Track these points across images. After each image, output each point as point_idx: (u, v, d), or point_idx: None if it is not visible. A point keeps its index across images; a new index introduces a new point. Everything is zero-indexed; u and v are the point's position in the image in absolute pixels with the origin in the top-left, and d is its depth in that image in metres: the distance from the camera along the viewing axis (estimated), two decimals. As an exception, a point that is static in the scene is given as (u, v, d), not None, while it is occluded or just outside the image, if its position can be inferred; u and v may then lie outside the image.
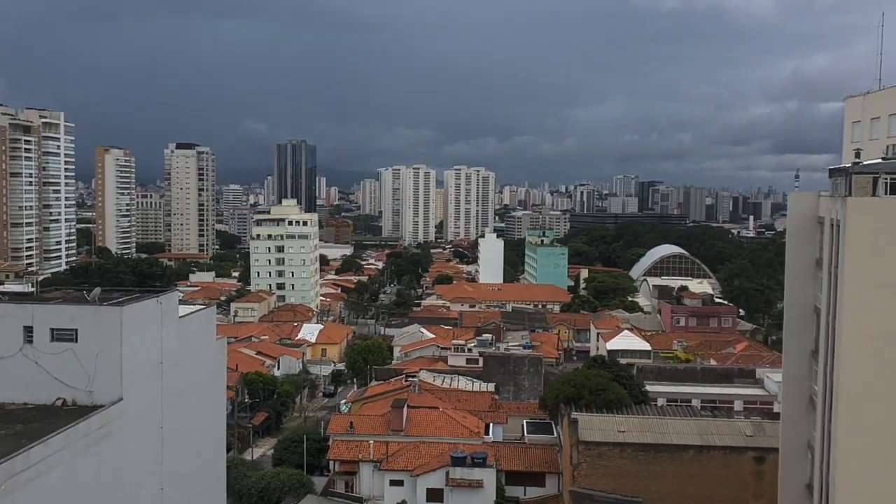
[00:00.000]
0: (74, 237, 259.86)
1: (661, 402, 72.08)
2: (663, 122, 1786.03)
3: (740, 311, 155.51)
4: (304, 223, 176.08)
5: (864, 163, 34.65)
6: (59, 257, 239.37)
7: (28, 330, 29.47)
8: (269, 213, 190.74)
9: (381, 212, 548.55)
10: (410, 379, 77.11)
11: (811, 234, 38.02)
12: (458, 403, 70.13)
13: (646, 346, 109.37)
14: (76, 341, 29.32)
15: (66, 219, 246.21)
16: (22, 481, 23.90)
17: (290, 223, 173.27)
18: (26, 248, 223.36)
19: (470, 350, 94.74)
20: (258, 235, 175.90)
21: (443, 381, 78.75)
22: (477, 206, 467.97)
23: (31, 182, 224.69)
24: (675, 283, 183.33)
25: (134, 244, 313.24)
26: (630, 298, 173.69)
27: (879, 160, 34.93)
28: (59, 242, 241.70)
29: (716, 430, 52.44)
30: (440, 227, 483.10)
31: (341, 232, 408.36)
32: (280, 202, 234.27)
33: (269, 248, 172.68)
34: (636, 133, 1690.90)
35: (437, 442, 59.04)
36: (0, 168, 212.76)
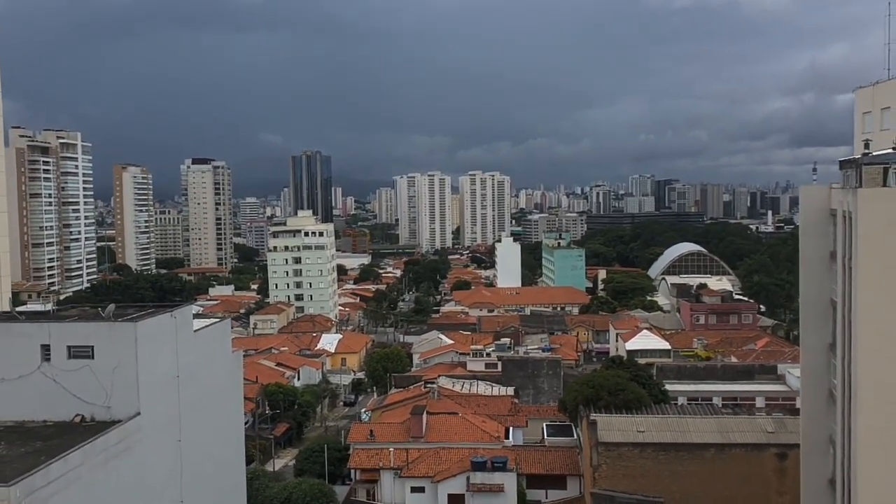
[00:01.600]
0: (95, 255, 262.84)
1: (681, 401, 71.64)
2: (678, 120, 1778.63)
3: (761, 307, 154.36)
4: (321, 234, 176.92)
5: (875, 153, 34.35)
6: (81, 276, 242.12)
7: (45, 348, 29.88)
8: (285, 224, 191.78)
9: (397, 220, 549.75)
10: (429, 385, 77.18)
11: (824, 228, 37.72)
12: (478, 408, 70.09)
13: (665, 345, 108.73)
14: (93, 358, 29.69)
15: (86, 237, 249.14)
16: (42, 498, 24.20)
17: (307, 234, 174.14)
18: (48, 267, 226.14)
19: (488, 355, 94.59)
20: (275, 247, 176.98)
21: (462, 386, 78.78)
22: (493, 210, 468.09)
23: (50, 202, 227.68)
24: (694, 281, 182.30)
25: (153, 260, 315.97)
26: (649, 298, 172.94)
27: (890, 150, 34.62)
28: (79, 261, 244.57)
29: (737, 428, 52.03)
30: (457, 233, 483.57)
31: (358, 241, 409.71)
32: (296, 214, 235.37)
33: (287, 260, 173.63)
34: (651, 132, 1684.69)
35: (458, 447, 59.03)
36: (20, 189, 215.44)
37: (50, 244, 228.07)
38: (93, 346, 29.72)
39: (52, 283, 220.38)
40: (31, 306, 50.25)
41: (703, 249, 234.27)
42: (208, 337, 36.72)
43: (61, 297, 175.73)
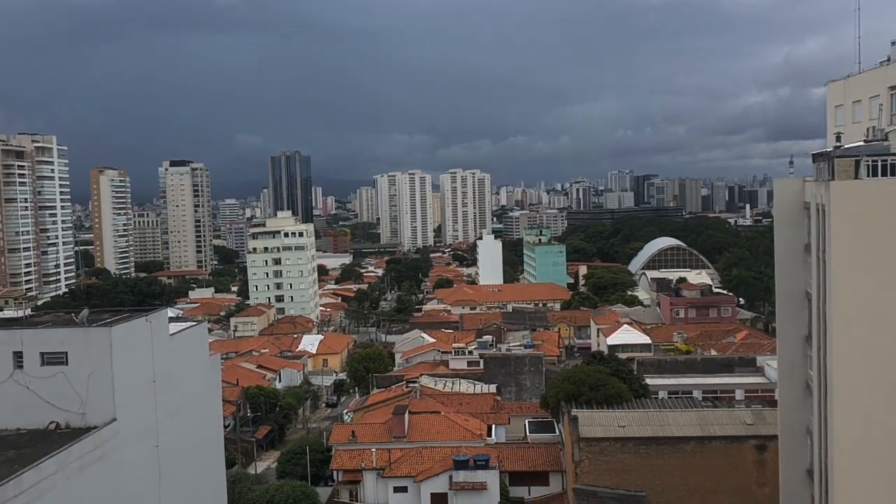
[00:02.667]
0: (73, 260, 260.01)
1: (661, 395, 72.20)
2: (657, 115, 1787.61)
3: (740, 300, 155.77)
4: (300, 234, 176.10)
5: (846, 146, 34.66)
6: (59, 280, 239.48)
7: (18, 355, 29.48)
8: (264, 225, 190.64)
9: (378, 219, 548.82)
10: (411, 385, 77.07)
11: (798, 220, 38.00)
12: (460, 407, 70.02)
13: (646, 339, 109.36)
14: (67, 364, 29.33)
15: (63, 242, 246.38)
16: (16, 507, 23.88)
17: (286, 235, 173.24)
18: (25, 272, 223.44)
19: (470, 352, 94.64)
20: (254, 249, 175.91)
21: (444, 385, 78.72)
22: (474, 208, 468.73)
23: (26, 207, 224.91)
24: (673, 275, 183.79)
25: (132, 264, 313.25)
26: (630, 293, 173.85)
27: (861, 143, 34.96)
28: (57, 266, 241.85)
29: (716, 421, 52.39)
30: (438, 231, 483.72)
31: (339, 241, 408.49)
32: (276, 215, 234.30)
33: (266, 261, 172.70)
34: (630, 128, 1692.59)
35: (440, 446, 58.92)
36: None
37: (26, 249, 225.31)
38: (67, 353, 29.36)
39: (29, 289, 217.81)
40: (7, 313, 49.63)
41: (682, 244, 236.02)
42: (185, 340, 36.40)
43: (39, 303, 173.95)
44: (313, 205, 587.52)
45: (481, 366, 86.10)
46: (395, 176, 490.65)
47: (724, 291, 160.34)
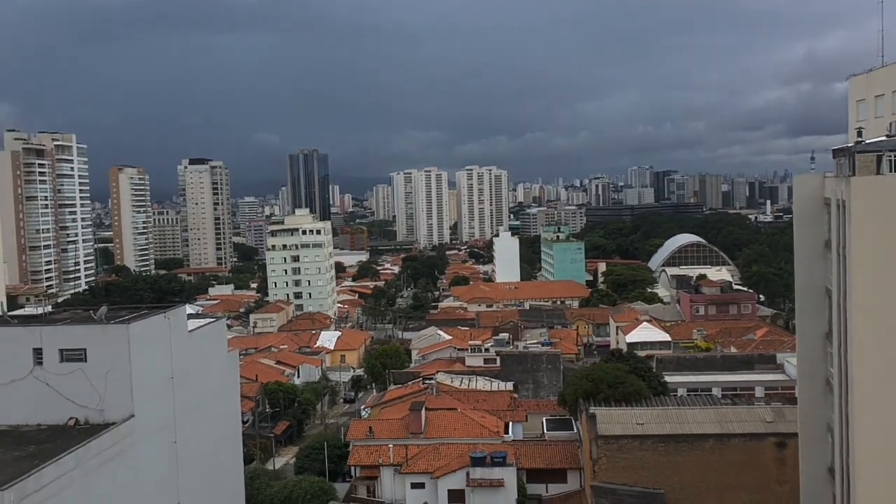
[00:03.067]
0: (93, 257, 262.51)
1: (680, 392, 71.72)
2: (676, 111, 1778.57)
3: (760, 296, 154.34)
4: (318, 231, 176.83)
5: (867, 141, 34.20)
6: (79, 278, 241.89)
7: (38, 352, 29.76)
8: (282, 223, 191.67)
9: (394, 216, 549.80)
10: (428, 382, 77.13)
11: (818, 216, 37.56)
12: (477, 404, 70.05)
13: (665, 336, 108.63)
14: (85, 360, 29.56)
15: (83, 239, 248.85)
16: (36, 502, 24.10)
17: (304, 232, 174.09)
18: (45, 270, 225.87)
19: (487, 350, 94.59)
20: (273, 246, 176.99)
21: (461, 382, 78.70)
22: (490, 205, 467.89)
23: (46, 205, 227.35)
24: (693, 272, 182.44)
25: (152, 261, 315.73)
26: (649, 290, 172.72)
27: (883, 138, 34.48)
28: (77, 263, 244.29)
29: (735, 418, 51.94)
30: (455, 229, 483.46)
31: (356, 238, 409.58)
32: (294, 212, 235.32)
33: (285, 258, 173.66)
34: (649, 124, 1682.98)
35: (457, 443, 58.99)
36: (15, 192, 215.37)
37: (47, 247, 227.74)
38: (85, 349, 29.59)
39: (49, 286, 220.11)
40: (27, 310, 50.15)
41: (702, 240, 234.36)
42: (203, 337, 36.60)
43: (59, 300, 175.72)
44: (331, 202, 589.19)
45: (498, 363, 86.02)
46: (411, 173, 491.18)
47: (745, 288, 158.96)
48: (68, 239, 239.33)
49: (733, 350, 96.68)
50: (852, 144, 34.57)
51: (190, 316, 44.85)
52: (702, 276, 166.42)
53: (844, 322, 33.81)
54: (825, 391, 37.96)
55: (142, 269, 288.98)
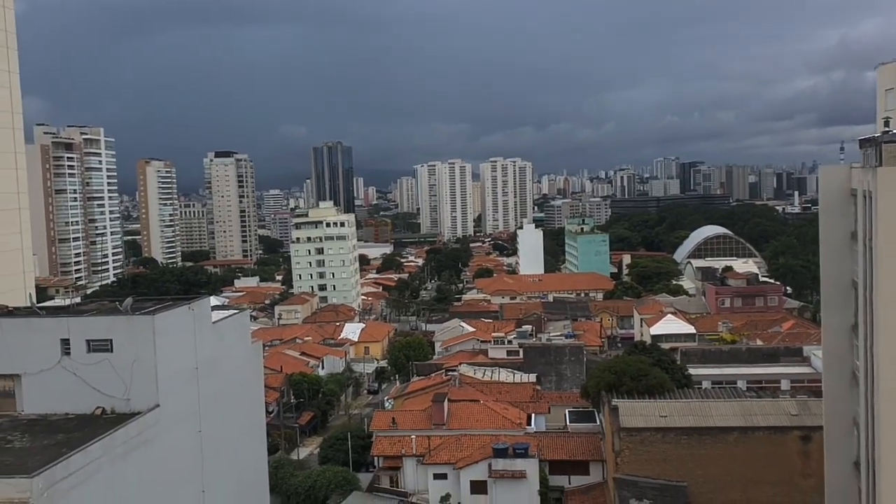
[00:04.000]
0: (121, 249, 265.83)
1: (705, 385, 71.32)
2: (703, 101, 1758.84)
3: (787, 289, 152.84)
4: (342, 224, 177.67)
5: (895, 131, 33.67)
6: (107, 270, 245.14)
7: (65, 342, 30.20)
8: (307, 216, 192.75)
9: (418, 209, 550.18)
10: (451, 373, 77.35)
11: (845, 208, 37.11)
12: (500, 395, 70.14)
13: (690, 329, 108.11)
14: (111, 351, 29.95)
15: (111, 232, 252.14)
16: (63, 489, 24.55)
17: (328, 225, 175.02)
18: (74, 262, 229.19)
19: (510, 342, 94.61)
20: (298, 239, 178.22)
21: (483, 373, 78.85)
22: (515, 197, 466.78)
23: (75, 198, 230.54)
24: (719, 263, 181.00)
25: (179, 253, 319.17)
26: (674, 282, 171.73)
27: (911, 127, 33.93)
28: (105, 255, 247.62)
29: (760, 411, 51.58)
30: (478, 221, 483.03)
31: (380, 231, 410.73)
32: (318, 205, 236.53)
33: (309, 251, 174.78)
34: (676, 114, 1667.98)
35: (479, 434, 59.15)
36: (45, 185, 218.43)
37: (76, 239, 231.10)
38: (111, 340, 29.98)
39: (79, 278, 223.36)
40: (56, 301, 50.97)
41: (728, 232, 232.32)
42: (227, 328, 36.95)
43: (88, 292, 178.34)
44: (355, 195, 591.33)
45: (521, 355, 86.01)
46: (434, 166, 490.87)
47: (771, 280, 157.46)
48: (97, 231, 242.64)
49: (759, 343, 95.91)
50: (879, 134, 34.06)
51: (214, 308, 45.38)
52: (728, 268, 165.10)
53: (871, 314, 33.41)
54: (851, 384, 37.56)
55: (169, 261, 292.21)
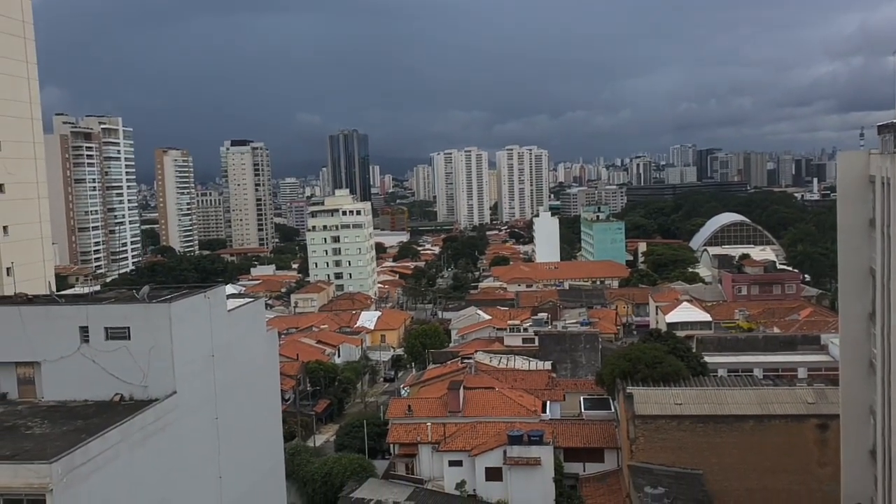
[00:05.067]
0: (139, 238, 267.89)
1: (721, 373, 71.01)
2: (721, 88, 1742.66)
3: (805, 276, 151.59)
4: (358, 212, 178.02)
5: (914, 116, 33.33)
6: (126, 258, 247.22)
7: (84, 330, 30.61)
8: (322, 204, 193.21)
9: (435, 197, 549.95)
10: (466, 361, 77.52)
11: (863, 194, 36.82)
12: (515, 383, 70.24)
13: (706, 317, 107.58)
14: (129, 339, 30.33)
15: (129, 221, 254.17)
16: (82, 474, 24.95)
17: (344, 213, 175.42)
18: (94, 251, 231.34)
19: (525, 330, 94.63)
20: (314, 227, 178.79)
21: (499, 361, 78.97)
22: (531, 185, 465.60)
23: (94, 187, 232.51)
24: (736, 251, 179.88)
25: (196, 241, 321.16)
26: (690, 270, 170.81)
27: (930, 112, 33.54)
28: (124, 244, 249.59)
29: (776, 399, 51.33)
30: (495, 209, 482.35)
31: (396, 219, 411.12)
32: (334, 193, 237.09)
33: (325, 239, 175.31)
34: (693, 101, 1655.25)
35: (495, 422, 59.25)
36: (64, 175, 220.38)
37: (95, 228, 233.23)
38: (129, 328, 30.35)
39: (98, 266, 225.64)
40: (76, 290, 51.54)
41: (746, 219, 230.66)
42: (243, 316, 37.26)
43: (107, 280, 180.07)
44: (371, 183, 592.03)
45: (536, 343, 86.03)
46: (451, 154, 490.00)
47: (789, 268, 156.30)
48: (115, 220, 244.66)
49: (776, 331, 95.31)
50: (898, 120, 33.71)
51: (230, 296, 45.72)
52: (745, 256, 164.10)
53: (888, 302, 33.18)
54: (868, 373, 37.35)
55: (186, 249, 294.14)
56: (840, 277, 39.21)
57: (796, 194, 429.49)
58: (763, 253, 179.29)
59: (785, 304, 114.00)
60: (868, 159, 36.35)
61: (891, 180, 31.56)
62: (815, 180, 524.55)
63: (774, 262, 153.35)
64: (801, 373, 73.81)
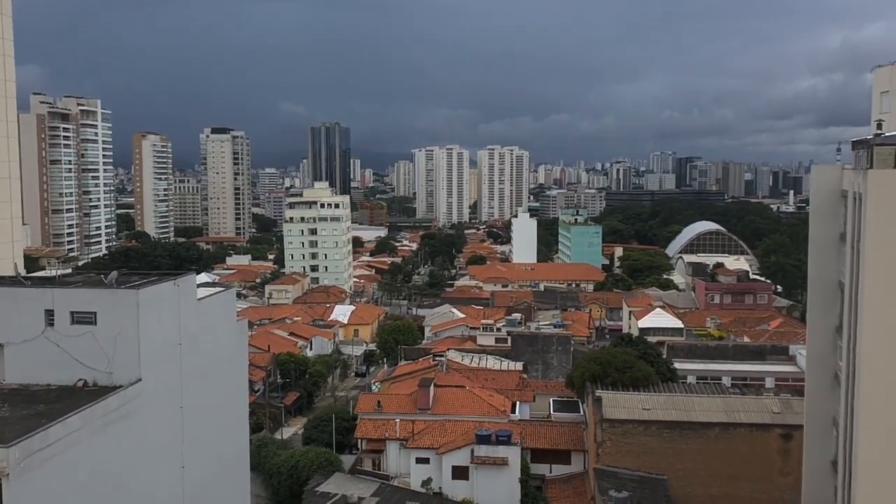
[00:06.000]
0: (114, 222, 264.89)
1: (690, 379, 71.59)
2: (704, 97, 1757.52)
3: (777, 287, 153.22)
4: (336, 205, 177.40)
5: (887, 134, 33.71)
6: (100, 242, 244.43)
7: (49, 313, 30.06)
8: (301, 196, 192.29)
9: (415, 193, 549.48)
10: (438, 358, 77.50)
11: (835, 209, 37.19)
12: (486, 382, 70.35)
13: (678, 323, 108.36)
14: (95, 324, 29.83)
15: (105, 205, 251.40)
16: (41, 459, 24.53)
17: (323, 206, 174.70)
18: (67, 233, 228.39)
19: (499, 329, 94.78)
20: (291, 218, 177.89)
21: (471, 360, 79.03)
22: (511, 185, 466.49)
23: (70, 169, 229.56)
24: (711, 259, 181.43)
25: (172, 228, 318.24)
26: (665, 276, 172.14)
27: (903, 130, 33.96)
28: (98, 228, 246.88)
29: (742, 408, 51.91)
30: (474, 208, 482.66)
31: (375, 214, 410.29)
32: (313, 185, 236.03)
33: (303, 231, 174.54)
34: (676, 109, 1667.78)
35: (463, 420, 59.33)
36: (40, 156, 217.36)
37: (69, 210, 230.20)
38: (95, 313, 29.84)
39: (71, 250, 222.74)
40: (42, 273, 50.75)
41: (722, 228, 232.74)
42: (212, 305, 36.85)
43: (80, 264, 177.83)
44: (351, 177, 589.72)
45: (509, 343, 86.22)
46: (432, 150, 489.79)
47: (762, 278, 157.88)
48: (90, 203, 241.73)
49: (746, 340, 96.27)
50: (872, 137, 34.09)
51: (202, 285, 45.27)
52: (719, 265, 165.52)
53: (855, 316, 33.57)
54: (833, 385, 37.79)
55: (161, 235, 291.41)
56: (809, 290, 39.62)
57: (772, 206, 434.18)
58: (737, 262, 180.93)
59: (756, 314, 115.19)
60: (842, 174, 36.75)
61: (863, 196, 31.91)
62: (792, 192, 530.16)
63: (748, 271, 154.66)
64: (769, 382, 74.61)
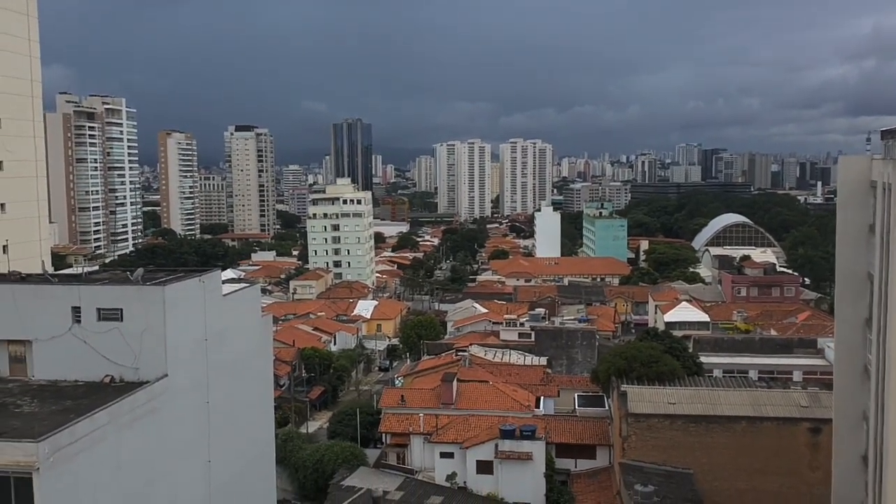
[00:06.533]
0: (140, 220, 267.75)
1: (716, 373, 70.96)
2: (730, 87, 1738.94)
3: (805, 279, 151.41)
4: (359, 201, 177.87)
5: (918, 122, 33.12)
6: (126, 240, 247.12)
7: (76, 310, 30.49)
8: (324, 192, 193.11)
9: (436, 188, 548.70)
10: (461, 353, 77.43)
11: (864, 199, 36.55)
12: (509, 377, 70.18)
13: (704, 317, 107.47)
14: (121, 320, 30.22)
15: (131, 202, 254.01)
16: (69, 454, 24.87)
17: (345, 202, 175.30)
18: (94, 231, 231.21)
19: (522, 324, 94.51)
20: (314, 215, 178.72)
21: (494, 355, 78.86)
22: (533, 179, 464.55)
23: (96, 167, 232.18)
24: (737, 252, 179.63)
25: (198, 225, 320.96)
26: (691, 270, 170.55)
27: (935, 119, 33.31)
28: (125, 225, 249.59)
29: (769, 401, 51.28)
30: (496, 202, 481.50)
31: (397, 209, 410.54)
32: (336, 181, 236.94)
33: (325, 227, 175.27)
34: (701, 100, 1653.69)
35: (487, 415, 59.23)
36: (66, 154, 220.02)
37: (96, 208, 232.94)
38: (122, 309, 30.23)
39: (98, 247, 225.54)
40: (69, 270, 51.43)
41: (748, 221, 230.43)
42: (237, 301, 37.12)
43: (106, 261, 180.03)
44: (373, 172, 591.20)
45: (532, 338, 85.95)
46: (454, 145, 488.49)
47: (789, 271, 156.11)
48: (117, 201, 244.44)
49: (773, 333, 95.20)
50: (901, 125, 33.46)
51: (228, 281, 45.59)
52: (745, 258, 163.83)
53: (885, 308, 33.01)
54: (862, 378, 37.21)
55: (187, 233, 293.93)
56: (837, 282, 39.03)
57: (799, 197, 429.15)
58: (764, 255, 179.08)
59: (783, 307, 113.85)
60: (870, 164, 36.10)
61: (892, 186, 31.34)
62: (819, 184, 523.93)
63: (775, 264, 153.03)
64: (797, 376, 73.75)
